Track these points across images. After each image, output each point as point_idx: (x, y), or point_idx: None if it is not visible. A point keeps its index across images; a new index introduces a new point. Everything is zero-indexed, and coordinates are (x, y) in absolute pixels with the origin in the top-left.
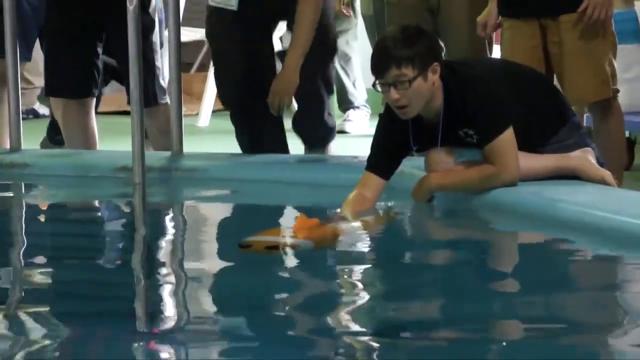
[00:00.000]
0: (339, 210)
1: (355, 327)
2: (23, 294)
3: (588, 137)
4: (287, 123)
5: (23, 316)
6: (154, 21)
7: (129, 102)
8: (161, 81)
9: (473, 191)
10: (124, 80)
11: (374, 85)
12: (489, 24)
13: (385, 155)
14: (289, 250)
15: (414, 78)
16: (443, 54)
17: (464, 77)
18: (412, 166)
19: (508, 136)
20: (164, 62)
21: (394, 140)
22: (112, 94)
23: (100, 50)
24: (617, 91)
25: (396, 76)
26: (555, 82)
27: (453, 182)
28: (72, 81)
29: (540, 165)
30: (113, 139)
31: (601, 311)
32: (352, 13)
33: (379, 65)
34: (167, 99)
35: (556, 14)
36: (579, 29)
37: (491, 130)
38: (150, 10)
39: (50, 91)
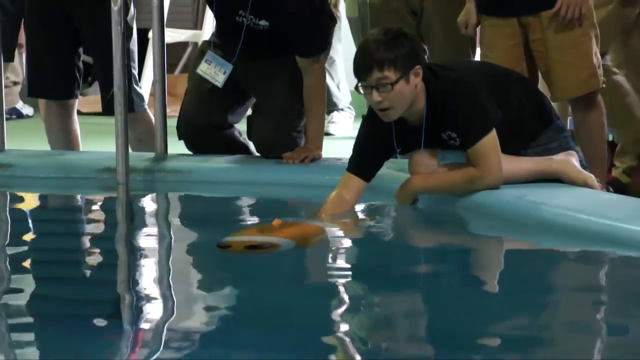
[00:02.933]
0: (319, 211)
1: (339, 328)
2: (2, 295)
3: (572, 141)
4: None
5: (2, 319)
6: (131, 28)
7: (103, 110)
8: (138, 88)
9: (456, 194)
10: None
11: (356, 87)
12: (470, 23)
13: (367, 157)
14: (269, 249)
15: (396, 81)
16: (426, 57)
17: (445, 81)
18: (395, 168)
19: (491, 139)
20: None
21: (376, 142)
22: (95, 95)
23: (81, 51)
24: (604, 81)
25: (378, 79)
26: (540, 80)
27: (436, 185)
28: (53, 82)
29: (523, 168)
30: (96, 141)
31: (586, 314)
32: (339, 14)
33: (361, 67)
34: (146, 106)
35: (536, 11)
36: (561, 25)
37: (473, 133)
38: (128, 18)
39: (32, 92)
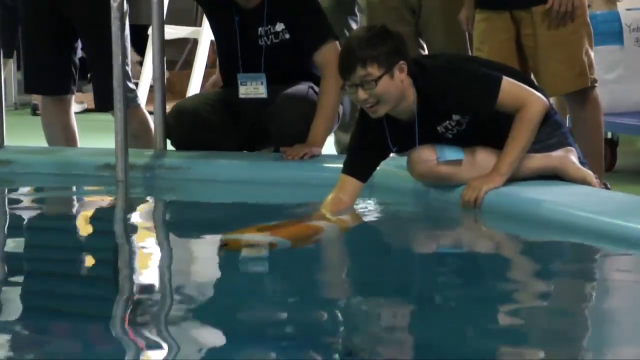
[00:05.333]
0: (316, 213)
1: (338, 328)
2: (1, 292)
3: (570, 137)
4: None
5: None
6: (124, 24)
7: (96, 107)
8: (130, 84)
9: (528, 145)
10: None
11: (342, 87)
12: (470, 17)
13: (362, 158)
14: (266, 248)
15: (380, 77)
16: (425, 53)
17: (435, 74)
18: (396, 165)
19: (506, 85)
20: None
21: (369, 142)
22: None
23: (77, 45)
24: (595, 81)
25: (362, 76)
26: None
27: (512, 158)
28: (49, 78)
29: (522, 165)
30: (94, 137)
31: (585, 312)
32: None
33: (345, 66)
34: (139, 101)
35: (529, 5)
36: (552, 21)
37: (488, 97)
38: None
39: (28, 88)
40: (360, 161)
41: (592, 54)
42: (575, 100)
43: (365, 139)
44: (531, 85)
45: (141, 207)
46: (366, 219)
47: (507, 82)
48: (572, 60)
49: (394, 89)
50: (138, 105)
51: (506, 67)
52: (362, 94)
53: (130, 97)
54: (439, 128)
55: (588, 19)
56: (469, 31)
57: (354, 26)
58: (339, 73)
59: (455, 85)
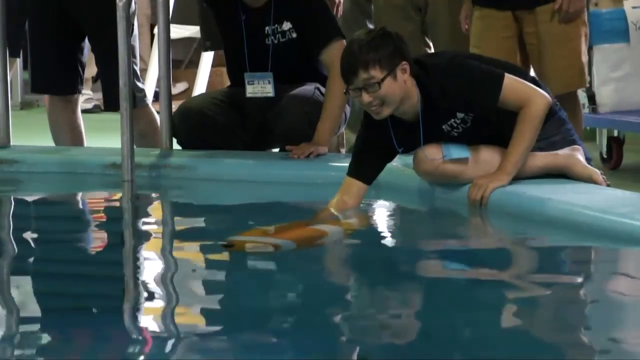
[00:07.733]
0: (320, 214)
1: (340, 328)
2: (9, 290)
3: (575, 133)
4: None
5: (9, 313)
6: (132, 25)
7: (105, 106)
8: (139, 84)
9: (533, 143)
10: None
11: (346, 91)
12: (469, 17)
13: (366, 160)
14: (271, 250)
15: (383, 79)
16: (431, 51)
17: (437, 72)
18: (401, 164)
19: (509, 82)
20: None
21: (374, 144)
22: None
23: (83, 45)
24: (587, 83)
25: (365, 79)
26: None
27: (517, 157)
28: (56, 78)
29: (529, 164)
30: (101, 136)
31: (591, 310)
32: None
33: (347, 70)
34: (147, 101)
35: (532, 6)
36: (556, 20)
37: (491, 95)
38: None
39: (35, 88)
40: (365, 164)
41: (587, 55)
42: (565, 101)
43: (370, 141)
44: (534, 82)
45: (147, 207)
46: (371, 219)
47: (510, 79)
48: (573, 57)
49: (398, 90)
50: (147, 105)
51: (508, 64)
52: (366, 97)
53: (138, 97)
54: (444, 127)
55: (585, 19)
56: (466, 32)
57: (372, 27)
58: (342, 77)
59: (456, 83)
